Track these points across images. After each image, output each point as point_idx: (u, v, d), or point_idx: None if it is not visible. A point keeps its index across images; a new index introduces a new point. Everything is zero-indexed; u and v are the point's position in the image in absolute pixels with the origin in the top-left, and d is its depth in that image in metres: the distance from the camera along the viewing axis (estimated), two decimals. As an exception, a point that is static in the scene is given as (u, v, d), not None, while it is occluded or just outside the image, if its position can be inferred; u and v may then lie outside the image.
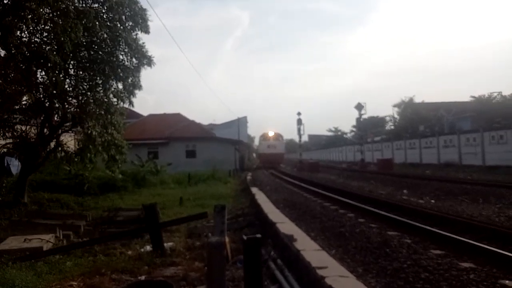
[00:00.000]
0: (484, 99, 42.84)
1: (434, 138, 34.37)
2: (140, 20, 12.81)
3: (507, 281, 4.79)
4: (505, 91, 42.74)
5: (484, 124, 32.14)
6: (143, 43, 13.09)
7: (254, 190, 15.35)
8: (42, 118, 12.50)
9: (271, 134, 49.87)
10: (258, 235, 4.36)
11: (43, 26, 10.59)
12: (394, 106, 59.53)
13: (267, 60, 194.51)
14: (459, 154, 30.13)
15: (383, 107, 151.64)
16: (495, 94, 42.78)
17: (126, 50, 12.73)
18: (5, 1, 10.17)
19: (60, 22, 10.36)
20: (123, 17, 12.50)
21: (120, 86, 12.94)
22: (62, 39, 10.11)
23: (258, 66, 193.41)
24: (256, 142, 66.48)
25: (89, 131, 12.14)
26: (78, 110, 12.00)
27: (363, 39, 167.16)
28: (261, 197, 12.46)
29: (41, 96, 11.83)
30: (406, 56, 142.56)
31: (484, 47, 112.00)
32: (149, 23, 13.15)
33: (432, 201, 13.01)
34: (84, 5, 11.62)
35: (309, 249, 5.29)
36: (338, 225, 8.78)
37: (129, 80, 12.89)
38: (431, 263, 5.53)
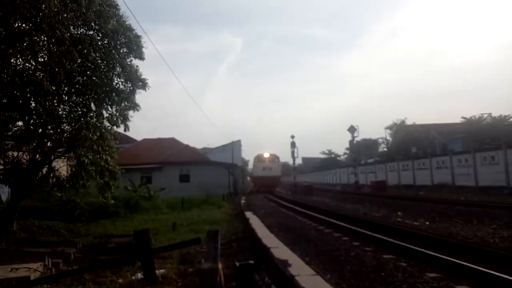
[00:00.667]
0: (474, 121, 43.53)
1: (427, 160, 34.63)
2: (135, 47, 12.93)
3: (503, 304, 4.74)
4: (495, 112, 43.56)
5: (475, 145, 32.53)
6: (137, 66, 13.20)
7: (248, 214, 15.22)
8: (34, 144, 12.41)
9: (266, 155, 46.87)
10: (251, 262, 4.32)
11: (38, 53, 10.67)
12: (387, 128, 60.40)
13: (260, 84, 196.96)
14: (452, 175, 30.32)
15: (375, 129, 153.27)
16: (485, 115, 43.55)
17: (120, 74, 12.80)
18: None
19: (55, 50, 10.47)
20: (118, 43, 12.63)
21: (114, 110, 12.94)
22: (56, 69, 10.20)
23: (252, 90, 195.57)
24: (250, 165, 65.24)
25: (82, 158, 12.05)
26: (71, 136, 11.94)
27: (355, 63, 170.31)
28: (255, 222, 12.34)
29: (34, 123, 11.79)
30: (397, 78, 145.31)
31: (474, 68, 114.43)
32: (144, 49, 13.30)
33: (427, 223, 12.97)
34: (79, 32, 11.76)
35: (304, 274, 5.22)
36: (333, 249, 8.69)
37: (124, 104, 12.91)
38: (427, 286, 5.47)
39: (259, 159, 47.28)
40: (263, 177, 44.79)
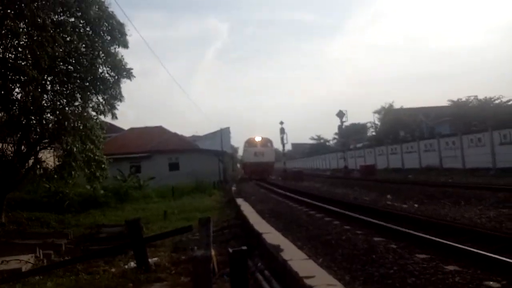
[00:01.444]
0: (461, 103, 43.94)
1: (415, 143, 35.01)
2: (119, 35, 12.70)
3: (491, 282, 4.85)
4: (480, 94, 44.01)
5: (462, 128, 32.95)
6: (122, 56, 12.99)
7: (239, 201, 15.25)
8: (19, 135, 12.19)
9: (258, 139, 42.33)
10: (244, 248, 4.32)
11: (18, 41, 10.41)
12: (375, 112, 60.81)
13: (247, 70, 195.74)
14: (440, 158, 30.73)
15: (364, 114, 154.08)
16: (471, 98, 44.00)
17: (105, 62, 12.58)
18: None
19: (36, 37, 10.21)
20: (101, 30, 12.38)
21: (100, 99, 12.76)
22: (39, 53, 9.94)
23: (239, 76, 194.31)
24: (240, 152, 63.59)
25: (69, 147, 11.89)
26: (56, 125, 11.75)
27: (342, 47, 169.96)
28: (246, 208, 12.38)
29: (17, 112, 11.55)
30: (384, 63, 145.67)
31: (460, 51, 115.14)
32: (128, 37, 13.08)
33: (416, 205, 13.16)
34: (60, 19, 11.48)
35: (296, 258, 5.25)
36: (324, 233, 8.78)
37: (109, 92, 12.73)
38: (417, 267, 5.56)
39: (250, 143, 42.83)
40: (255, 163, 40.67)
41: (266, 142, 42.63)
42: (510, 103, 40.46)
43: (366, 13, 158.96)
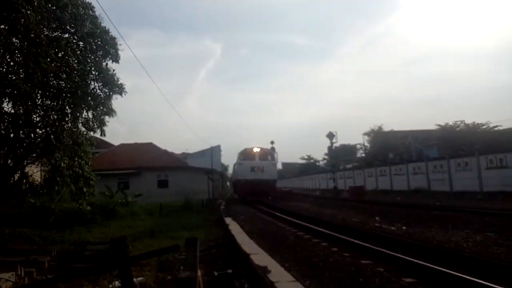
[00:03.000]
0: (448, 127, 44.71)
1: (404, 165, 35.34)
2: (111, 50, 12.79)
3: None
4: (467, 120, 44.90)
5: (450, 152, 33.41)
6: (114, 70, 13.03)
7: (228, 220, 15.16)
8: (5, 149, 12.03)
9: (256, 150, 32.92)
10: (229, 271, 4.30)
11: (11, 56, 10.41)
12: (364, 134, 61.44)
13: (239, 91, 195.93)
14: (428, 181, 31.03)
15: (353, 136, 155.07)
16: (459, 122, 44.82)
17: (97, 78, 12.61)
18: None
19: (31, 51, 10.23)
20: (94, 46, 12.46)
21: (90, 115, 12.72)
22: (31, 68, 9.94)
23: (231, 96, 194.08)
24: (230, 170, 60.58)
25: (57, 163, 11.77)
26: (45, 141, 11.65)
27: (333, 71, 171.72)
28: (234, 228, 12.30)
29: (6, 127, 11.44)
30: (373, 87, 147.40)
31: (448, 77, 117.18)
32: (121, 52, 13.18)
33: (404, 227, 13.19)
34: (53, 35, 11.55)
35: (284, 280, 5.23)
36: (312, 254, 8.74)
37: (100, 109, 12.71)
38: (404, 291, 5.56)
39: (246, 155, 33.18)
40: (251, 181, 31.62)
41: (267, 154, 33.39)
42: (496, 128, 41.27)
43: (358, 38, 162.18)
